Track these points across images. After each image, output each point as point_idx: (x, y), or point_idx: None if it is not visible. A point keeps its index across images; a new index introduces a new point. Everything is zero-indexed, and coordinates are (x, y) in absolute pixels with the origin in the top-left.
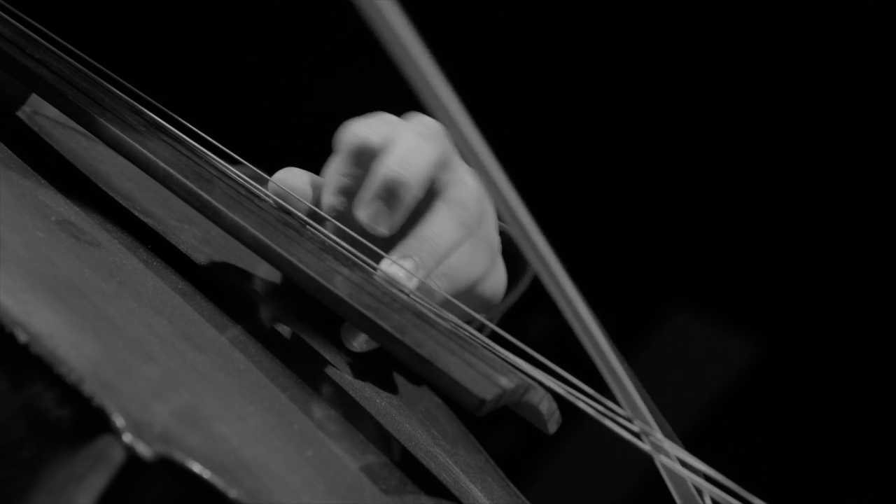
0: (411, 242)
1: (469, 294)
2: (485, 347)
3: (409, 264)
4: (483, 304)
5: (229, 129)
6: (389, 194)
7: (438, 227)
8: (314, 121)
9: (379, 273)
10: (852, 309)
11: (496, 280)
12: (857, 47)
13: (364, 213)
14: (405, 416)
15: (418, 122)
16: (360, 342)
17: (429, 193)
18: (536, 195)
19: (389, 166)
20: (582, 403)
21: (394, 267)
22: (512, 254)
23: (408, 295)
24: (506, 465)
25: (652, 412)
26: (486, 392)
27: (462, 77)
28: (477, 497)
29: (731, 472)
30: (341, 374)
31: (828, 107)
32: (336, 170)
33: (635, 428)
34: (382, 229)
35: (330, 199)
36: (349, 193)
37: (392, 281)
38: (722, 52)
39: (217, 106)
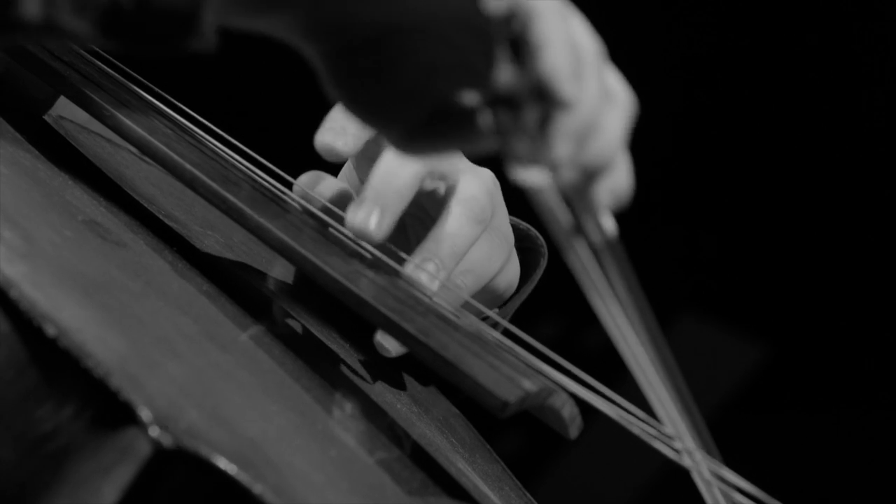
0: (430, 245)
1: (489, 288)
2: (510, 352)
3: (430, 267)
4: (499, 297)
5: (255, 132)
6: (378, 196)
7: (454, 226)
8: None
9: (402, 277)
10: (859, 314)
11: (511, 272)
12: (861, 52)
13: (349, 219)
14: (424, 422)
15: None
16: (394, 346)
17: (438, 194)
18: None
19: (379, 171)
20: (634, 427)
21: (416, 270)
22: (525, 247)
23: (431, 298)
24: (517, 469)
25: (693, 425)
26: (510, 394)
27: None
28: (496, 503)
29: (742, 476)
30: (360, 376)
31: (834, 111)
32: (350, 170)
33: (678, 446)
34: (374, 236)
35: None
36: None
37: (416, 285)
38: (726, 56)
39: (242, 108)
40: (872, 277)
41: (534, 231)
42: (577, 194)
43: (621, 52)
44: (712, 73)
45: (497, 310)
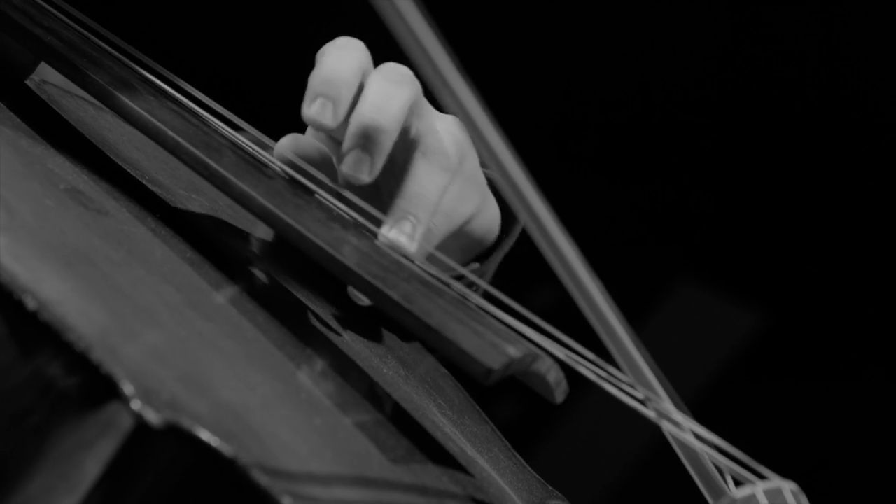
0: (401, 203)
1: (464, 233)
2: (492, 316)
3: (406, 226)
4: (477, 242)
5: (234, 95)
6: (366, 140)
7: (423, 179)
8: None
9: (381, 239)
10: (858, 279)
11: (488, 217)
12: (862, 29)
13: (345, 163)
14: (412, 385)
15: (388, 67)
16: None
17: (405, 145)
18: (541, 168)
19: (364, 113)
20: (584, 369)
21: (393, 231)
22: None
23: (412, 260)
24: (511, 434)
25: (659, 381)
26: (494, 361)
27: (467, 50)
28: (483, 467)
29: (737, 444)
30: (349, 342)
31: (832, 79)
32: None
33: (639, 395)
34: (364, 177)
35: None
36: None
37: (394, 246)
38: (725, 24)
39: (222, 71)
40: (871, 242)
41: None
42: None
43: (628, 22)
44: (713, 39)
45: (478, 265)
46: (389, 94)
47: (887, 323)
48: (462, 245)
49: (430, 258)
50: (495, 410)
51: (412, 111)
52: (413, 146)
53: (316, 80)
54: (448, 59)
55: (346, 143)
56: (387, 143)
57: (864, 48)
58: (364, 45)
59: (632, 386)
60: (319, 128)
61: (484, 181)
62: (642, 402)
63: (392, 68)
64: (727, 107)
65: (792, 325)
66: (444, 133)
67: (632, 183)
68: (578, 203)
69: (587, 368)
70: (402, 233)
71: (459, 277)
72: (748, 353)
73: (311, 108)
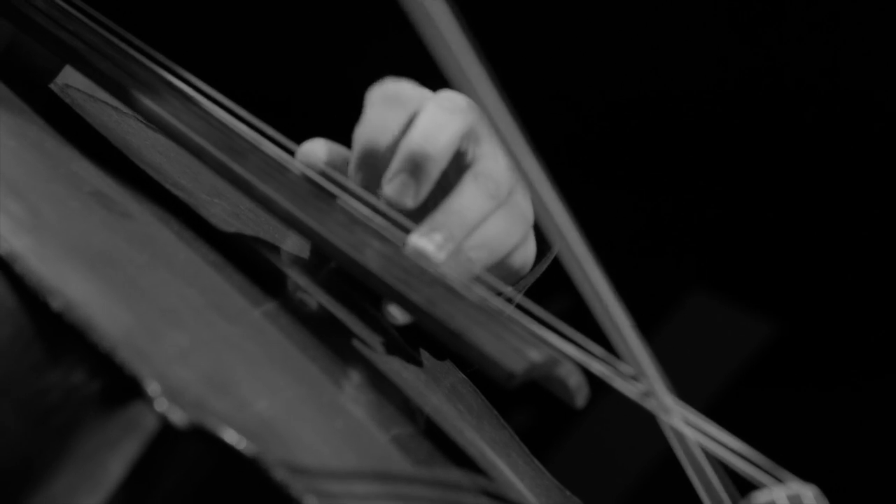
0: (439, 217)
1: (503, 264)
2: (514, 320)
3: (438, 237)
4: (513, 274)
5: (260, 102)
6: (414, 167)
7: (466, 199)
8: (345, 94)
9: (408, 247)
10: (869, 288)
11: (529, 250)
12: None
13: (390, 187)
14: (432, 390)
15: (444, 96)
16: (402, 313)
17: (458, 167)
18: (556, 178)
19: (414, 140)
20: (596, 370)
21: (423, 240)
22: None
23: (438, 269)
24: (528, 439)
25: (663, 382)
26: (516, 365)
27: (491, 60)
28: (502, 471)
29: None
30: (369, 347)
31: (844, 92)
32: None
33: (640, 387)
34: (408, 202)
35: (357, 170)
36: (375, 167)
37: (421, 254)
38: (738, 38)
39: (249, 78)
40: (883, 251)
41: None
42: None
43: (642, 36)
44: (723, 55)
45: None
46: (441, 122)
47: None
48: (499, 276)
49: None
50: (513, 416)
51: (469, 137)
52: (464, 169)
53: (406, 148)
54: (471, 59)
55: (394, 165)
56: (434, 172)
57: (878, 61)
58: (412, 88)
59: (634, 379)
60: (395, 207)
61: (531, 214)
62: (643, 395)
63: (448, 97)
64: (741, 119)
65: (806, 333)
66: (497, 162)
67: (645, 193)
68: (593, 213)
69: (602, 369)
70: (431, 242)
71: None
72: (761, 362)
73: (393, 186)
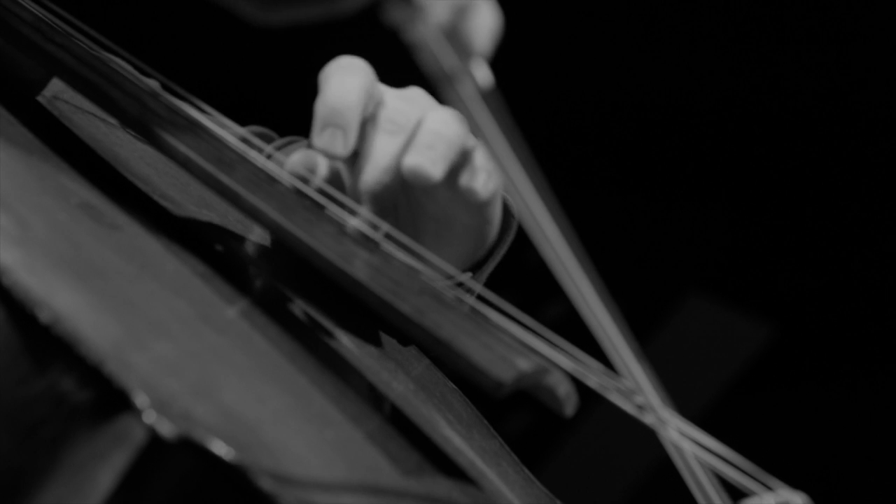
0: (421, 137)
1: (475, 233)
2: (502, 329)
3: (428, 153)
4: (480, 247)
5: (244, 108)
6: (436, 141)
7: (440, 119)
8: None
9: (404, 167)
10: (866, 290)
11: (496, 224)
12: (867, 37)
13: (319, 139)
14: (421, 400)
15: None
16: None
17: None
18: (551, 183)
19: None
20: (592, 382)
21: (413, 156)
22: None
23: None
24: (519, 449)
25: (661, 395)
26: (505, 374)
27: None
28: (492, 480)
29: (746, 455)
30: (360, 356)
31: (839, 96)
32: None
33: (638, 401)
34: (434, 174)
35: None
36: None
37: (418, 173)
38: (738, 44)
39: (231, 85)
40: (878, 254)
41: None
42: (451, 35)
43: (640, 40)
44: (723, 59)
45: (470, 274)
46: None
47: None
48: (470, 247)
49: (428, 264)
50: (503, 425)
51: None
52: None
53: (323, 108)
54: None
55: (317, 122)
56: (453, 153)
57: (882, 70)
58: (367, 64)
59: (636, 394)
60: (331, 157)
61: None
62: (640, 409)
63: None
64: (739, 124)
65: (801, 337)
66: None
67: (643, 197)
68: (591, 217)
69: (595, 381)
70: (422, 156)
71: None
72: (758, 365)
73: (322, 138)
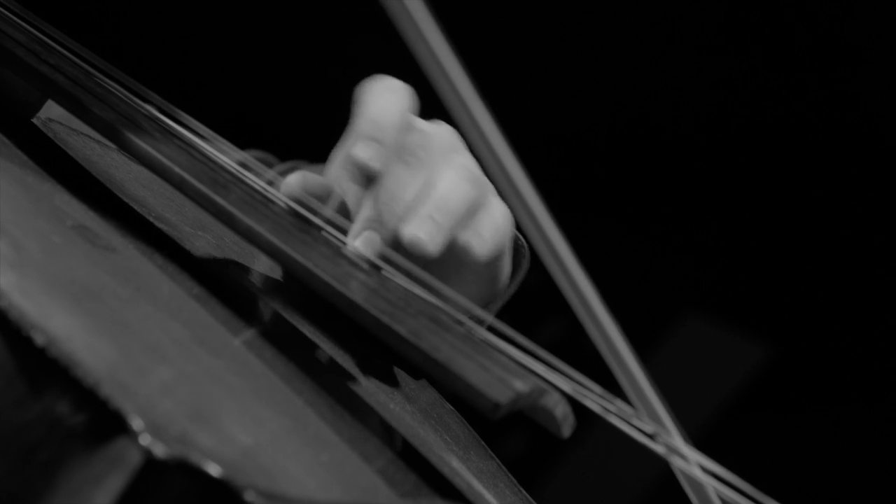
0: (423, 206)
1: (489, 275)
2: (499, 351)
3: (428, 225)
4: (497, 288)
5: (241, 130)
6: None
7: (449, 185)
8: (331, 118)
9: (403, 236)
10: (863, 311)
11: (509, 262)
12: (861, 51)
13: (410, 227)
14: (418, 421)
15: (458, 162)
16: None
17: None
18: (551, 205)
19: (446, 183)
20: (591, 402)
21: (411, 227)
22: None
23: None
24: (516, 470)
25: (667, 415)
26: (502, 396)
27: (480, 86)
28: (489, 502)
29: (744, 476)
30: (355, 378)
31: (836, 105)
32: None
33: (648, 429)
34: (431, 249)
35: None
36: (380, 143)
37: (415, 245)
38: (731, 64)
39: (231, 104)
40: (875, 274)
41: (517, 232)
42: None
43: (632, 63)
44: (718, 80)
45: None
46: (460, 187)
47: (893, 354)
48: (480, 291)
49: (444, 298)
50: (501, 446)
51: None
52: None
53: (365, 121)
54: (459, 71)
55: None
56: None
57: (880, 86)
58: (408, 88)
59: (640, 420)
60: (366, 171)
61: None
62: (651, 437)
63: (462, 160)
64: (733, 144)
65: (799, 358)
66: (469, 160)
67: (640, 217)
68: (588, 238)
69: (595, 402)
70: (421, 230)
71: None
72: (755, 385)
73: (361, 150)
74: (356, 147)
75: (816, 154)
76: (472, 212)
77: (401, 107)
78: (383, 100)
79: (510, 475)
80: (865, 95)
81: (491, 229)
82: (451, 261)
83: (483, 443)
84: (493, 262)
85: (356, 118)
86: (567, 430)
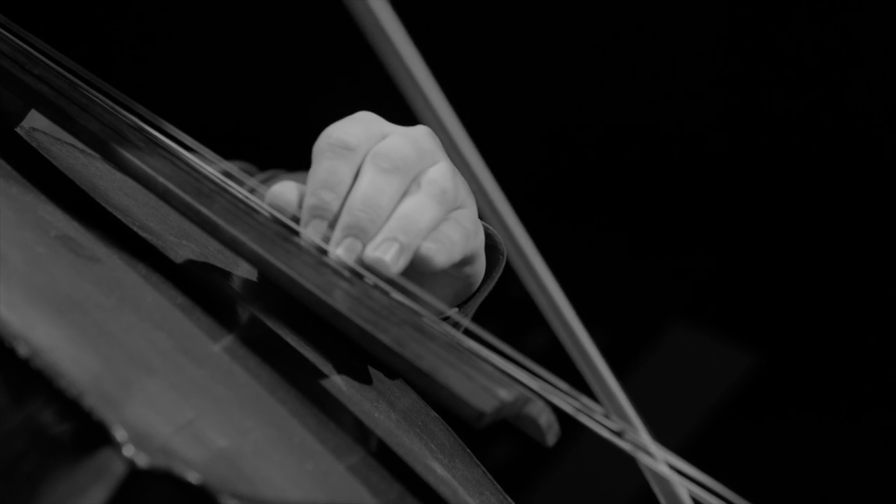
0: (391, 223)
1: (463, 275)
2: (483, 360)
3: (393, 247)
4: (470, 286)
5: (227, 138)
6: (403, 238)
7: (415, 205)
8: (311, 126)
9: (365, 256)
10: (850, 319)
11: (482, 262)
12: (856, 58)
13: (376, 251)
14: (403, 430)
15: (387, 148)
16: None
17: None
18: (535, 212)
19: (412, 204)
20: (557, 399)
21: (378, 251)
22: (487, 244)
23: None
24: (502, 477)
25: (637, 416)
26: (486, 404)
27: (459, 96)
28: None
29: (730, 483)
30: (341, 387)
31: (826, 119)
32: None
33: (614, 426)
34: (392, 268)
35: (307, 223)
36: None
37: (376, 266)
38: (720, 70)
39: (217, 116)
40: (863, 282)
41: (492, 229)
42: None
43: (618, 66)
44: (707, 87)
45: (457, 309)
46: (425, 208)
47: (882, 361)
48: (456, 291)
49: (418, 300)
50: (486, 454)
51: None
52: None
53: (315, 183)
54: (436, 92)
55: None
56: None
57: (868, 100)
58: (372, 121)
59: (608, 417)
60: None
61: (480, 227)
62: (618, 434)
63: (392, 147)
64: (719, 152)
65: (786, 365)
66: (439, 172)
67: (627, 225)
68: (570, 248)
69: (560, 399)
70: (386, 253)
71: (444, 319)
72: (742, 393)
73: (309, 229)
74: (303, 221)
75: (802, 161)
76: (436, 226)
77: (348, 174)
78: (327, 170)
79: (496, 483)
80: (855, 102)
81: (451, 239)
82: (412, 270)
83: (468, 450)
84: (463, 265)
85: (310, 176)
86: (552, 438)
